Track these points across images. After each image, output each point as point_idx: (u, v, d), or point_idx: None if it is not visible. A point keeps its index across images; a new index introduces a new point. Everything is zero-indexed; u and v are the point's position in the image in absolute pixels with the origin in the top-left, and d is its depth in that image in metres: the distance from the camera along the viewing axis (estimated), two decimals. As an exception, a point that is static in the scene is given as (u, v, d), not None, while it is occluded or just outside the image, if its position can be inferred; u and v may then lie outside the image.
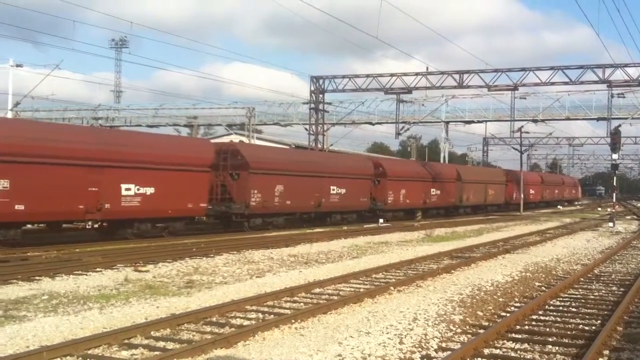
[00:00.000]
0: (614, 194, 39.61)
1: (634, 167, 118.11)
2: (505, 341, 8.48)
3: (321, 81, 40.52)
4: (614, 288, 13.17)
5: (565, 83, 36.78)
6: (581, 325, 9.56)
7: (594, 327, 9.37)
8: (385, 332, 8.64)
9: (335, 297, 11.25)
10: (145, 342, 8.05)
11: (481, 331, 8.88)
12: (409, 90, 39.18)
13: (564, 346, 8.34)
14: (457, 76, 37.46)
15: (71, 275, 13.27)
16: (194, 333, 8.57)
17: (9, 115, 37.87)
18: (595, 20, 41.10)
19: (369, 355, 7.58)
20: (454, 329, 9.10)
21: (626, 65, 34.92)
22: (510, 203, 54.79)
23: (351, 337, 8.36)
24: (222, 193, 24.82)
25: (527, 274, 14.93)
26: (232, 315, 9.73)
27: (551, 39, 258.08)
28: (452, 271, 15.07)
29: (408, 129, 50.03)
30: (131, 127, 54.62)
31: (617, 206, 43.11)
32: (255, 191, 25.44)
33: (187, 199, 22.44)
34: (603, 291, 12.81)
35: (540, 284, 13.56)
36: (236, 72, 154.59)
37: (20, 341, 7.90)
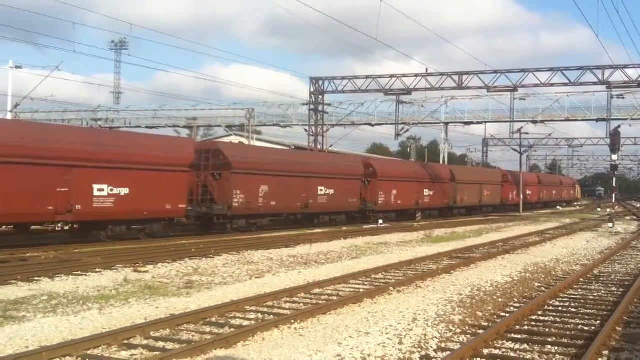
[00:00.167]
0: (614, 195, 39.64)
1: (633, 168, 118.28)
2: (504, 341, 8.48)
3: (321, 82, 40.54)
4: (614, 288, 13.18)
5: (565, 84, 36.81)
6: (580, 326, 9.56)
7: (593, 328, 9.38)
8: (384, 333, 8.64)
9: (335, 298, 11.25)
10: (145, 342, 8.05)
11: (481, 331, 8.89)
12: (408, 91, 39.21)
13: (564, 346, 8.34)
14: (456, 77, 37.49)
15: (70, 276, 13.27)
16: (194, 333, 8.57)
17: (9, 116, 37.87)
18: (594, 22, 41.53)
19: (369, 355, 7.58)
20: (453, 329, 9.10)
21: (625, 67, 34.95)
22: (506, 204, 54.23)
23: (351, 337, 8.36)
24: (204, 194, 24.14)
25: (527, 275, 14.94)
26: (231, 315, 9.73)
27: (550, 40, 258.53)
28: (452, 272, 15.07)
29: (407, 130, 50.01)
30: (131, 128, 54.63)
31: (616, 207, 43.12)
32: (238, 192, 24.74)
33: (164, 200, 21.61)
34: (602, 291, 12.81)
35: (539, 285, 13.57)
36: (236, 73, 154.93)
37: (20, 341, 7.90)
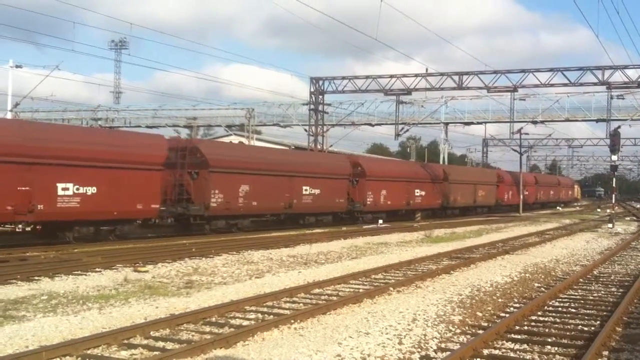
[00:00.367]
0: (613, 195, 39.65)
1: (633, 169, 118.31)
2: (504, 342, 8.48)
3: (321, 82, 40.54)
4: (613, 289, 13.18)
5: (565, 84, 36.83)
6: (580, 326, 9.56)
7: (593, 328, 9.38)
8: (384, 333, 8.65)
9: (335, 298, 11.25)
10: (145, 342, 8.06)
11: (480, 332, 8.89)
12: (408, 91, 39.22)
13: (563, 347, 8.34)
14: (456, 77, 37.50)
15: (70, 276, 13.27)
16: (193, 333, 8.58)
17: (9, 115, 37.87)
18: (594, 22, 41.53)
19: (368, 355, 7.58)
20: (453, 329, 9.10)
21: (625, 67, 34.97)
22: (502, 204, 53.33)
23: (350, 337, 8.36)
24: (180, 193, 23.10)
25: (527, 275, 14.94)
26: (231, 315, 9.73)
27: (551, 41, 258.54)
28: (452, 272, 15.08)
29: (407, 130, 49.95)
30: (131, 127, 54.63)
31: (616, 207, 43.11)
32: (217, 191, 23.84)
33: (135, 200, 20.60)
34: (602, 292, 12.81)
35: (539, 285, 13.57)
36: (236, 73, 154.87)
37: (20, 341, 7.90)
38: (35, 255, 16.23)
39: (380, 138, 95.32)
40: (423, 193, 39.45)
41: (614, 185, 38.89)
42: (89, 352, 7.48)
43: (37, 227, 19.28)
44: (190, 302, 10.68)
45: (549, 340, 8.64)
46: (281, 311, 10.08)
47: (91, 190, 19.24)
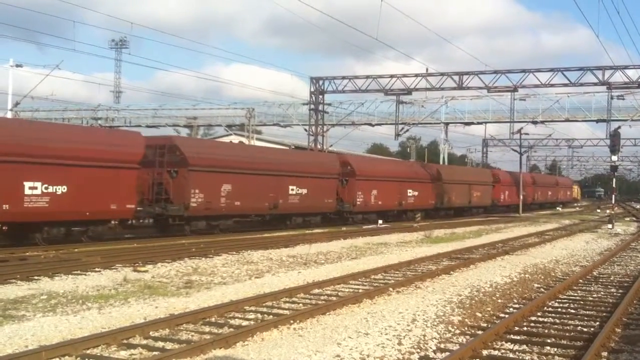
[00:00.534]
0: (613, 196, 39.65)
1: (633, 169, 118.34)
2: (503, 342, 8.49)
3: (321, 82, 40.54)
4: (613, 290, 13.19)
5: (565, 85, 36.82)
6: (580, 327, 9.57)
7: (592, 329, 9.38)
8: (384, 333, 8.65)
9: (334, 298, 11.25)
10: (144, 342, 8.06)
11: (480, 332, 8.89)
12: (408, 91, 39.21)
13: (563, 347, 8.35)
14: (456, 77, 37.50)
15: (70, 275, 13.27)
16: (193, 333, 8.58)
17: (9, 115, 37.88)
18: (595, 22, 41.36)
19: (368, 356, 7.58)
20: (452, 330, 9.11)
21: (626, 67, 34.97)
22: (497, 205, 52.38)
23: (350, 337, 8.36)
24: (159, 193, 22.15)
25: (526, 276, 14.94)
26: (230, 315, 9.73)
27: (551, 41, 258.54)
28: (451, 272, 15.08)
29: (407, 130, 49.98)
30: (131, 127, 54.63)
31: (616, 208, 43.12)
32: (197, 191, 22.87)
33: (109, 200, 19.69)
34: (602, 293, 12.82)
35: (539, 286, 13.57)
36: (236, 72, 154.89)
37: (19, 341, 7.91)
38: (35, 255, 16.23)
39: (380, 138, 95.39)
40: (416, 193, 38.52)
41: (613, 185, 38.90)
42: (88, 352, 7.48)
43: (4, 227, 18.22)
44: (189, 302, 10.68)
45: (548, 341, 8.64)
46: (281, 311, 10.09)
47: (61, 189, 18.32)
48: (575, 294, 12.58)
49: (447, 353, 7.72)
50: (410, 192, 37.92)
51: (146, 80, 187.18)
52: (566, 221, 41.74)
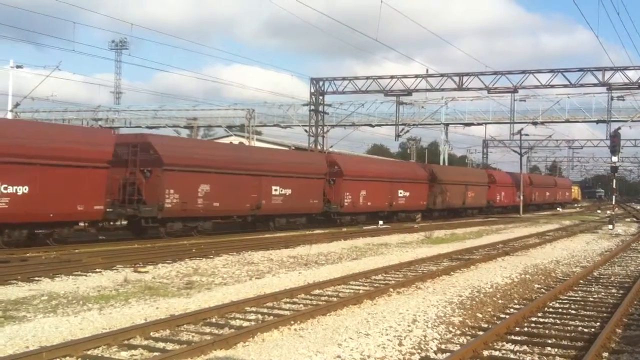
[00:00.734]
0: (614, 196, 39.66)
1: (633, 170, 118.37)
2: (504, 343, 8.49)
3: (321, 83, 40.56)
4: (613, 290, 13.19)
5: (565, 86, 36.84)
6: (580, 328, 9.57)
7: (593, 330, 9.39)
8: (384, 334, 8.65)
9: (335, 299, 11.25)
10: (145, 342, 8.06)
11: (480, 333, 8.90)
12: (408, 92, 39.22)
13: (563, 348, 8.35)
14: (456, 78, 37.51)
15: (71, 276, 13.27)
16: (194, 334, 8.58)
17: (9, 116, 37.90)
18: (595, 23, 41.42)
19: (368, 356, 7.59)
20: (453, 330, 9.11)
21: (626, 68, 34.98)
22: (493, 206, 51.39)
23: (350, 338, 8.36)
24: (132, 193, 21.12)
25: (527, 276, 14.94)
26: (231, 316, 9.74)
27: (551, 42, 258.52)
28: (452, 273, 15.08)
29: (408, 131, 50.13)
30: (131, 128, 54.72)
31: (616, 208, 43.11)
32: (172, 191, 21.78)
33: (75, 200, 18.62)
34: (602, 293, 12.82)
35: (539, 286, 13.57)
36: (237, 73, 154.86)
37: (20, 341, 7.91)
38: (36, 255, 16.24)
39: (380, 139, 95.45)
40: (407, 194, 37.23)
41: (614, 186, 38.89)
42: (89, 352, 7.48)
43: None
44: (190, 302, 10.68)
45: (549, 341, 8.65)
46: (281, 312, 10.09)
47: (22, 189, 17.36)
48: (576, 295, 12.58)
49: (448, 354, 7.72)
50: (401, 193, 36.74)
51: (146, 81, 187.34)
52: (567, 222, 41.73)
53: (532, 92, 42.87)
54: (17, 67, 40.41)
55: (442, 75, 38.06)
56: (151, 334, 8.39)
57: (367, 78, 39.75)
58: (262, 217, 26.86)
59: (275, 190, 26.84)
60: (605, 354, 8.01)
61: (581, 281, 14.31)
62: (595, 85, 36.21)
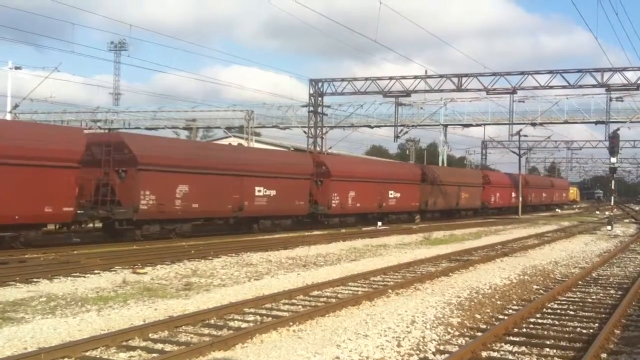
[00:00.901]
0: (612, 197, 39.68)
1: (632, 171, 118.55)
2: (503, 344, 8.49)
3: (320, 84, 40.56)
4: (612, 291, 13.19)
5: (564, 87, 36.85)
6: (579, 329, 9.58)
7: (591, 330, 9.39)
8: (383, 335, 8.65)
9: (334, 300, 11.26)
10: (143, 344, 8.06)
11: (479, 334, 8.90)
12: (407, 93, 39.22)
13: (562, 349, 8.36)
14: (455, 79, 37.53)
15: (69, 277, 13.27)
16: (192, 335, 8.58)
17: (8, 117, 37.89)
18: (594, 25, 41.45)
19: (367, 357, 7.59)
20: (452, 331, 9.11)
21: (624, 69, 35.01)
22: (488, 207, 50.69)
23: (349, 339, 8.36)
24: (105, 195, 20.26)
25: (525, 277, 14.95)
26: (230, 317, 9.73)
27: (550, 43, 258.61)
28: (451, 274, 15.08)
29: (407, 132, 50.09)
30: (130, 129, 54.65)
31: (615, 209, 43.14)
32: (147, 192, 20.94)
33: (42, 202, 17.82)
34: (601, 294, 12.82)
35: (538, 287, 13.58)
36: (236, 74, 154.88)
37: (18, 343, 7.90)
38: (34, 257, 16.23)
39: (379, 140, 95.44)
40: (398, 195, 36.24)
41: (612, 187, 38.93)
42: (87, 354, 7.48)
43: None
44: (188, 304, 10.68)
45: (548, 342, 8.65)
46: (280, 313, 10.09)
47: None
48: (575, 296, 12.58)
49: (447, 355, 7.72)
50: (391, 194, 35.81)
51: (145, 82, 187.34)
52: (565, 223, 41.76)
53: (531, 93, 42.97)
54: (16, 68, 40.42)
55: (441, 76, 38.08)
56: (150, 335, 8.39)
57: (366, 79, 39.76)
58: (245, 219, 26.02)
59: (259, 191, 26.00)
60: (604, 355, 8.02)
61: (580, 282, 14.32)
62: (594, 86, 36.23)
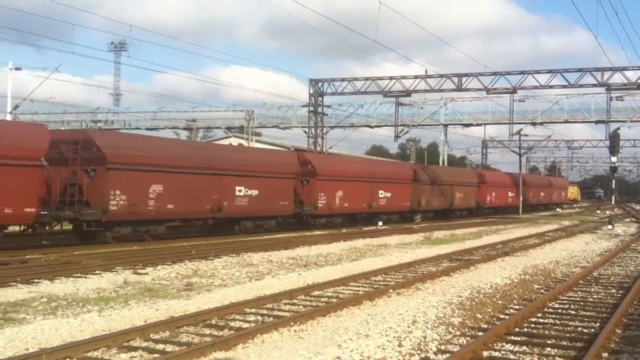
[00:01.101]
0: (613, 197, 39.68)
1: (632, 170, 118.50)
2: (504, 344, 8.49)
3: (320, 84, 40.58)
4: (613, 291, 13.19)
5: (564, 86, 36.89)
6: (580, 328, 9.57)
7: (592, 330, 9.39)
8: (384, 335, 8.65)
9: (335, 300, 11.25)
10: (145, 344, 8.06)
11: (480, 334, 8.90)
12: (408, 93, 39.26)
13: (563, 348, 8.35)
14: (456, 79, 37.55)
15: (70, 278, 13.27)
16: (193, 335, 8.58)
17: (8, 117, 37.90)
18: (594, 24, 41.46)
19: (368, 357, 7.59)
20: (453, 331, 9.11)
21: (625, 69, 35.03)
22: (483, 207, 49.75)
23: (350, 339, 8.36)
24: (73, 195, 19.20)
25: (526, 277, 14.95)
26: (231, 317, 9.73)
27: (550, 43, 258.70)
28: (451, 274, 15.08)
29: (407, 131, 50.10)
30: (130, 129, 54.69)
31: (615, 209, 43.13)
32: (118, 192, 19.98)
33: (2, 202, 16.81)
34: (602, 294, 12.82)
35: (539, 287, 13.58)
36: (236, 75, 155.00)
37: (20, 344, 7.91)
38: (35, 257, 16.23)
39: (379, 140, 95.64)
40: (389, 195, 35.10)
41: (613, 186, 38.92)
42: (88, 354, 7.48)
43: None
44: (190, 304, 10.68)
45: (549, 342, 8.65)
46: (281, 313, 10.09)
47: None
48: (576, 295, 12.58)
49: (448, 354, 7.72)
50: (382, 194, 34.63)
51: (145, 82, 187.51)
52: (566, 222, 41.74)
53: (531, 93, 42.99)
54: (16, 69, 40.49)
55: (441, 76, 38.11)
56: (151, 335, 8.39)
57: (366, 79, 39.78)
58: (225, 220, 24.90)
59: (240, 190, 24.88)
60: (605, 354, 8.02)
61: (581, 281, 14.32)
62: (594, 85, 36.27)
